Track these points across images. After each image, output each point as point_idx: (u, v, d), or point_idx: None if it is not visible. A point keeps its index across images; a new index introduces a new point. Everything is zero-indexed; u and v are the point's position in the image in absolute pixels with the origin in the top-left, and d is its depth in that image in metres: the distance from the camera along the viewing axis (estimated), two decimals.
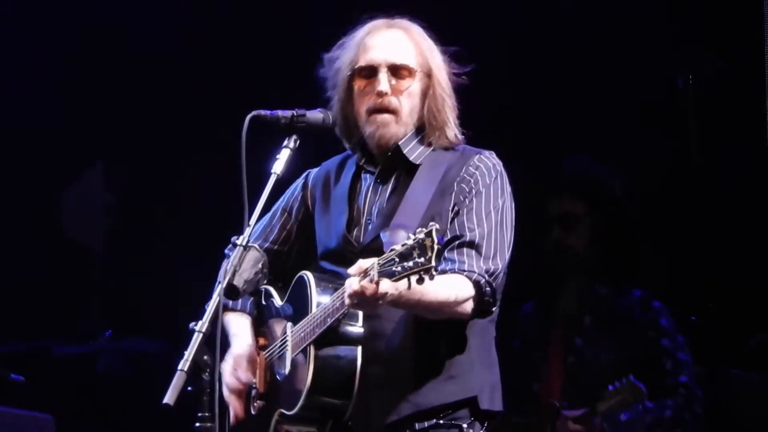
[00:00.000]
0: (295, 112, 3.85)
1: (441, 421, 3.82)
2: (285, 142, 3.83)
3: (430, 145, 3.96)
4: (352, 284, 3.51)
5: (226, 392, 3.99)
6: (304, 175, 4.19)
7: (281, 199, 4.19)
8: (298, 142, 3.83)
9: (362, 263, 3.50)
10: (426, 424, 3.81)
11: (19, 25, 6.85)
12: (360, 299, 3.51)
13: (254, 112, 3.78)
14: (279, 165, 3.78)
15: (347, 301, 3.55)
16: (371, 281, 3.46)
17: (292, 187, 4.19)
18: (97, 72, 6.88)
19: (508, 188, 3.94)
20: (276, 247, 4.15)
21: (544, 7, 6.41)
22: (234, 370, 3.98)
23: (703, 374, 5.74)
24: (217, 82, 6.73)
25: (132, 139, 6.94)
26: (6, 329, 6.86)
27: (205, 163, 6.63)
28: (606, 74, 6.31)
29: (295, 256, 4.15)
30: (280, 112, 3.84)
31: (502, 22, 6.38)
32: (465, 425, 3.83)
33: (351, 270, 3.52)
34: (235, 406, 4.00)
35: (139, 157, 6.99)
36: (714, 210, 5.77)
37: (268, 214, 4.18)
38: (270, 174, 3.77)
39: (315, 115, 3.90)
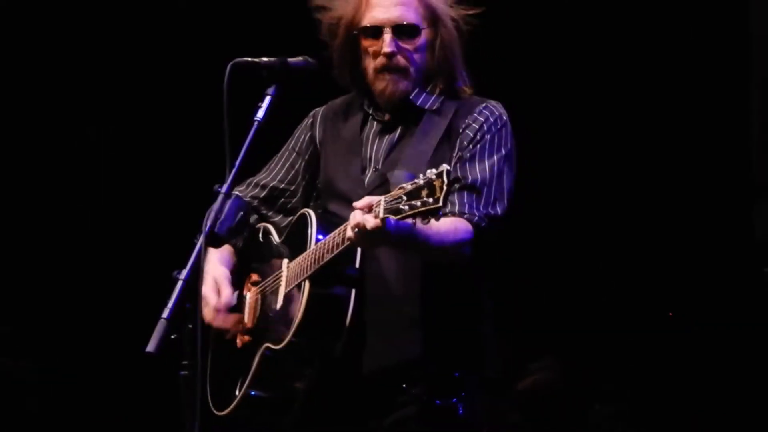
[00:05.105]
0: (277, 60, 3.83)
1: (432, 370, 3.82)
2: (267, 90, 3.80)
3: (440, 93, 3.96)
4: (355, 216, 3.51)
5: (209, 312, 4.00)
6: (311, 114, 4.20)
7: (290, 138, 4.21)
8: (281, 89, 3.81)
9: (369, 199, 3.51)
10: (416, 372, 3.81)
11: None
12: (362, 233, 3.50)
13: (236, 60, 3.76)
14: (261, 113, 3.75)
15: (349, 233, 3.54)
16: (376, 216, 3.46)
17: (300, 127, 4.20)
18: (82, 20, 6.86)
19: (512, 139, 3.94)
20: (283, 185, 4.18)
21: None
22: (215, 286, 4.02)
23: None
24: (196, 30, 6.70)
25: (117, 92, 6.93)
26: None
27: (188, 113, 6.62)
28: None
29: (301, 194, 4.17)
30: (262, 59, 3.82)
31: None
32: (456, 374, 3.84)
33: (357, 203, 3.52)
34: (218, 321, 4.02)
35: (123, 109, 6.97)
36: None
37: (277, 154, 4.21)
38: (253, 122, 3.75)
39: (297, 62, 3.87)
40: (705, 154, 6.43)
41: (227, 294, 4.04)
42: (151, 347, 3.35)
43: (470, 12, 3.96)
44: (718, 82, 6.26)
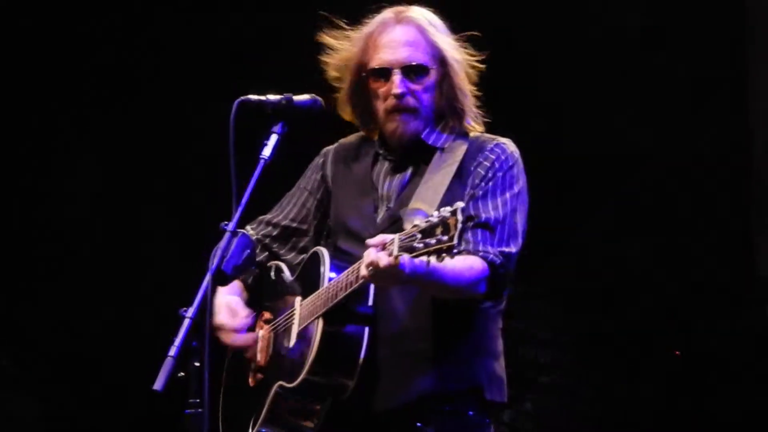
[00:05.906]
0: (283, 97, 3.84)
1: (446, 408, 3.82)
2: (273, 128, 3.81)
3: (450, 132, 3.97)
4: (369, 255, 3.51)
5: (227, 335, 4.02)
6: (322, 153, 4.21)
7: (301, 177, 4.22)
8: (287, 127, 3.82)
9: (383, 236, 3.51)
10: (429, 411, 3.80)
11: None
12: (377, 271, 3.50)
13: (242, 98, 3.78)
14: (267, 150, 3.76)
15: (363, 271, 3.54)
16: (390, 254, 3.45)
17: (311, 166, 4.21)
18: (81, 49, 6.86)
19: (523, 176, 3.95)
20: (295, 224, 4.19)
21: None
22: (230, 311, 4.03)
23: None
24: (205, 66, 6.72)
25: (122, 126, 6.93)
26: None
27: (195, 150, 6.63)
28: None
29: (313, 233, 4.17)
30: (268, 97, 3.83)
31: None
32: (470, 414, 3.84)
33: (370, 241, 3.53)
34: (238, 342, 4.03)
35: (130, 144, 6.97)
36: None
37: (289, 193, 4.21)
38: (259, 160, 3.74)
39: (304, 100, 3.87)
40: (706, 185, 6.44)
41: (243, 315, 4.04)
42: (157, 385, 3.35)
43: (476, 58, 3.96)
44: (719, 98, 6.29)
